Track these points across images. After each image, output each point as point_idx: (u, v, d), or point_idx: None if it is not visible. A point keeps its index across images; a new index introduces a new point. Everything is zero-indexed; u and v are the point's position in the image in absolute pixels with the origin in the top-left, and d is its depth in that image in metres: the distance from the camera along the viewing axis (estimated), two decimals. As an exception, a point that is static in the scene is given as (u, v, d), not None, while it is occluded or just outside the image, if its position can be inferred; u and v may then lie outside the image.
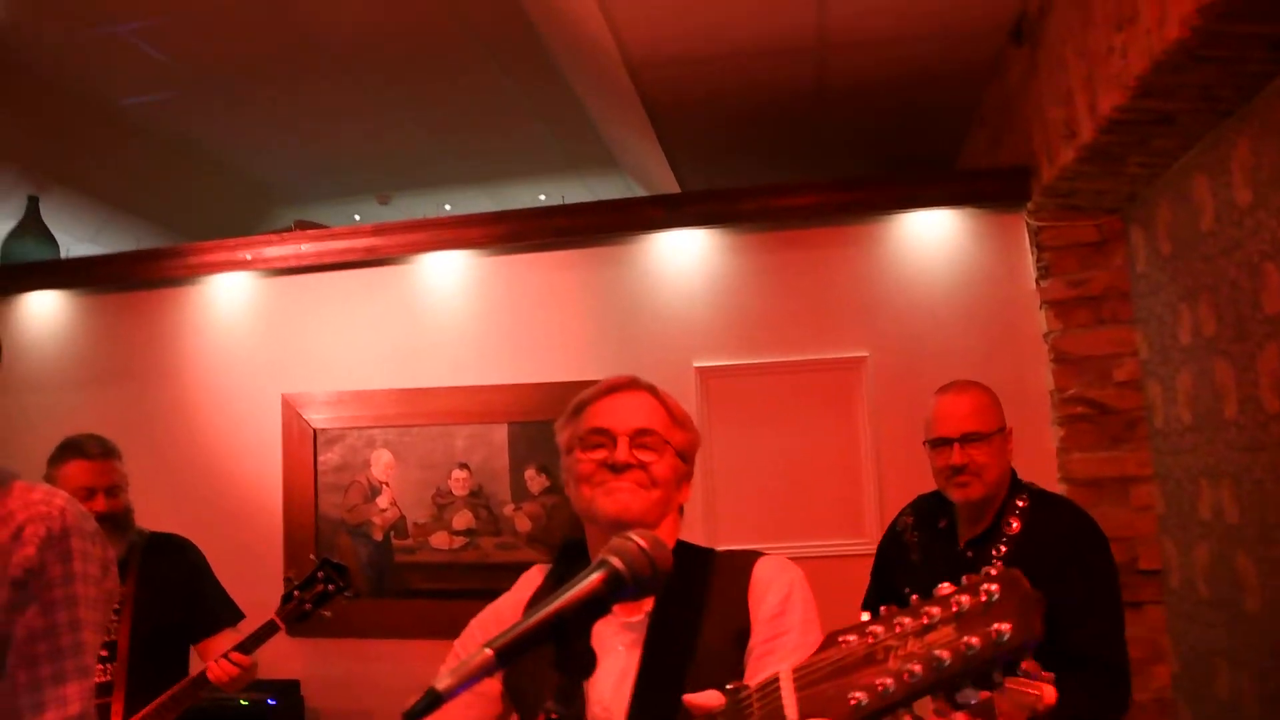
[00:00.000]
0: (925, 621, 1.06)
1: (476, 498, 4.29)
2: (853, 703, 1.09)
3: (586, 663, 1.18)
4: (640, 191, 5.69)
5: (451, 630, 3.94)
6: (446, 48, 4.81)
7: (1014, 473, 2.76)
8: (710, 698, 1.31)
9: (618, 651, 1.70)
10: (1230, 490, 3.13)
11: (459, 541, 4.30)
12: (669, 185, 5.38)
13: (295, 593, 3.20)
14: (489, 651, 1.13)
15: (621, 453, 1.74)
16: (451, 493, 4.31)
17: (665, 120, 4.76)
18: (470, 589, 4.21)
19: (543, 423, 4.17)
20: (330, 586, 3.21)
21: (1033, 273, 4.03)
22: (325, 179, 6.40)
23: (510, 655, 1.15)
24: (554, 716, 1.17)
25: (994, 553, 2.60)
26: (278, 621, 3.15)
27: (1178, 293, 3.44)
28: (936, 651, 1.03)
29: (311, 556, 3.97)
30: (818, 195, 4.22)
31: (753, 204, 4.29)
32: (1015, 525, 2.63)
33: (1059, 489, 3.85)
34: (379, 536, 4.36)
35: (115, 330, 4.73)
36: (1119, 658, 2.52)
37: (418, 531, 4.33)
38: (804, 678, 1.16)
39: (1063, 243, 3.94)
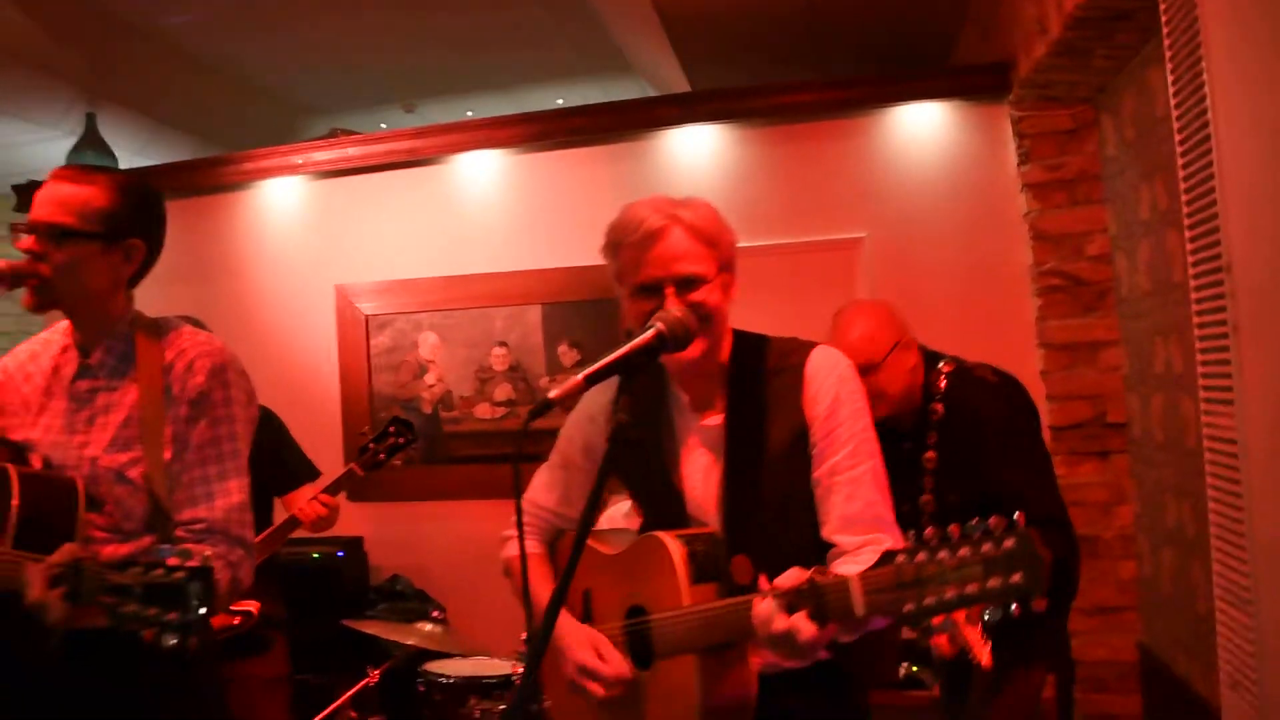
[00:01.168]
0: (960, 559, 1.35)
1: (515, 372, 4.78)
2: (905, 609, 1.41)
3: (641, 390, 1.65)
4: (654, 93, 6.04)
5: (495, 491, 4.53)
6: None
7: (928, 356, 2.91)
8: (793, 577, 1.59)
9: (702, 452, 1.95)
10: (1177, 345, 3.57)
11: (500, 411, 4.80)
12: (680, 86, 5.74)
13: (370, 445, 3.69)
14: (580, 376, 1.62)
15: (671, 302, 1.83)
16: (492, 368, 4.80)
17: (676, 23, 5.10)
18: (511, 454, 4.70)
19: (573, 303, 4.67)
20: (400, 439, 3.68)
21: (1014, 159, 4.42)
22: (353, 91, 6.72)
23: (594, 379, 1.65)
24: (621, 419, 1.63)
25: (928, 441, 2.85)
26: (356, 470, 3.65)
27: (1139, 173, 3.84)
28: (967, 587, 1.34)
29: (365, 430, 4.41)
30: (818, 92, 4.62)
31: (758, 101, 4.70)
32: (939, 409, 2.84)
33: (1037, 354, 4.32)
34: (428, 410, 4.86)
35: (176, 234, 5.00)
36: (1061, 511, 2.79)
37: (463, 404, 4.83)
38: (869, 584, 1.47)
39: (1041, 130, 4.33)
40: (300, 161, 4.97)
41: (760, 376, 1.95)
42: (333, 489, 3.66)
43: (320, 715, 3.79)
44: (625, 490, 2.14)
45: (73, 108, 5.57)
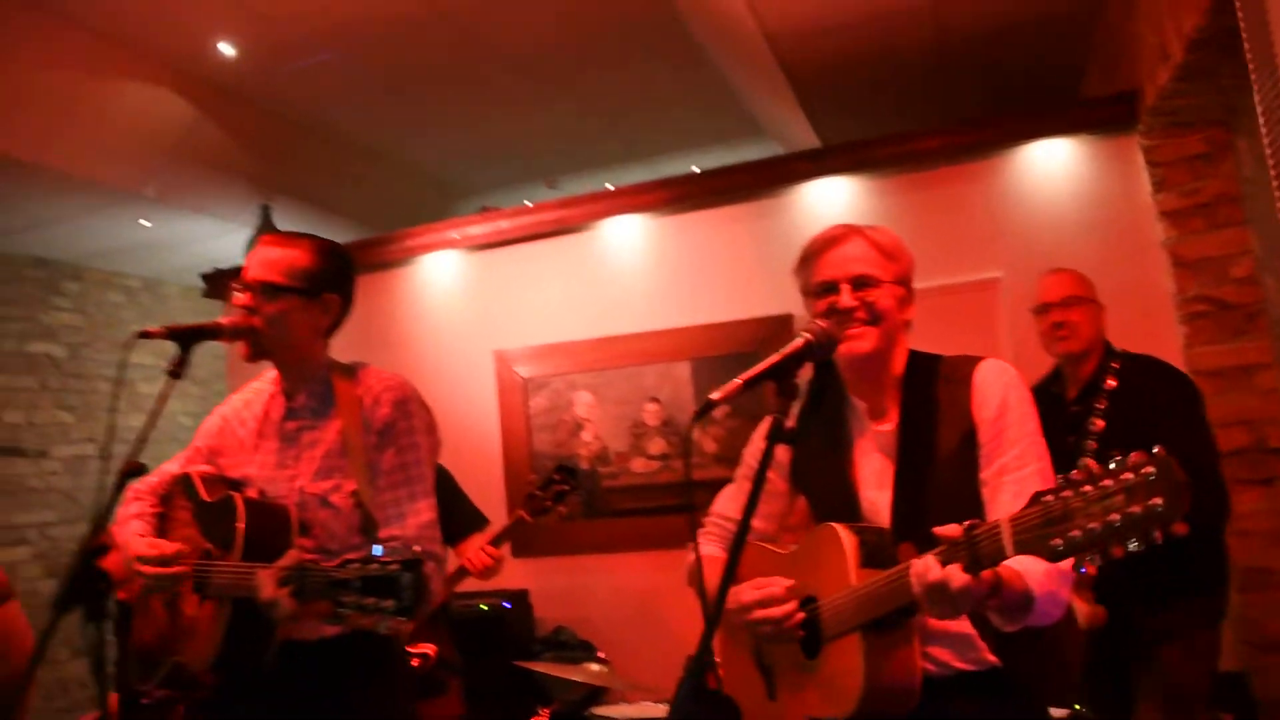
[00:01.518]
0: (1103, 491, 1.38)
1: (667, 426, 4.96)
2: (1053, 544, 1.44)
3: (794, 392, 1.78)
4: (785, 152, 6.23)
5: (653, 543, 4.69)
6: (603, 43, 5.38)
7: (1108, 344, 3.35)
8: (951, 531, 1.64)
9: (876, 456, 2.05)
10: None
11: (654, 465, 4.98)
12: (810, 142, 5.91)
13: (537, 492, 3.90)
14: (739, 380, 1.76)
15: (845, 299, 2.00)
16: (645, 423, 5.00)
17: (803, 83, 5.30)
18: (667, 505, 4.89)
19: (720, 357, 4.84)
20: (565, 486, 3.88)
21: (1148, 188, 4.44)
22: (499, 171, 7.08)
23: (751, 383, 1.77)
24: (777, 416, 1.76)
25: (1096, 406, 3.16)
26: (524, 516, 3.86)
27: (1282, 192, 3.83)
28: (1110, 515, 1.37)
29: (531, 479, 4.64)
30: (946, 137, 4.73)
31: (887, 150, 4.83)
32: (1112, 382, 3.19)
33: (1188, 382, 4.30)
34: (585, 466, 5.06)
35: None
36: (1218, 477, 3.12)
37: (618, 459, 5.03)
38: (1018, 526, 1.51)
39: (1173, 157, 4.34)
40: (456, 236, 5.31)
41: (932, 386, 2.04)
42: (500, 538, 3.87)
43: (496, 755, 3.98)
44: (804, 495, 2.24)
45: (249, 202, 6.03)
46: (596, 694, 4.56)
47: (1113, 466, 1.39)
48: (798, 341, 1.86)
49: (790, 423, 1.83)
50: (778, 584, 2.01)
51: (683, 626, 1.59)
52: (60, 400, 6.44)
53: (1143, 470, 1.35)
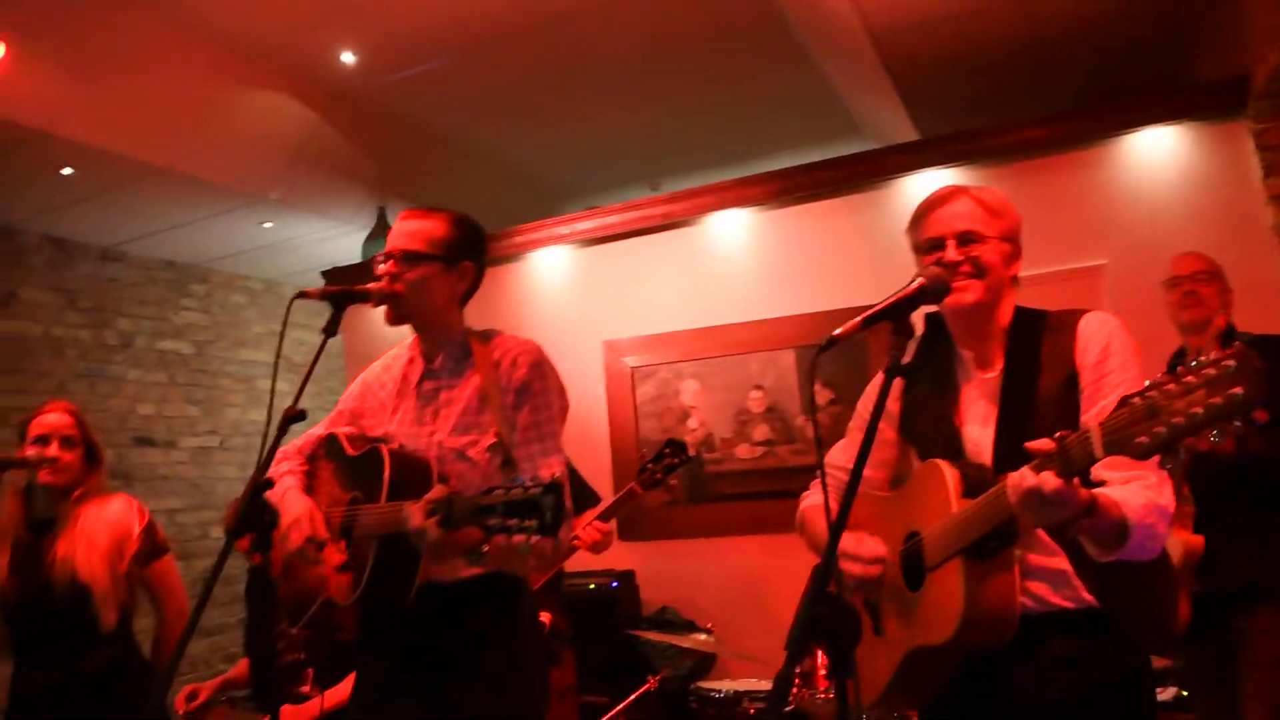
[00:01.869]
0: (1185, 387, 1.42)
1: (772, 413, 5.07)
2: (1139, 441, 1.49)
3: (908, 332, 1.89)
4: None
5: (757, 527, 4.79)
6: (705, 45, 5.46)
7: (1232, 325, 3.44)
8: (1044, 444, 1.68)
9: (981, 403, 2.12)
10: None
11: (759, 451, 5.09)
12: (909, 138, 5.97)
13: (648, 465, 4.03)
14: (858, 319, 1.88)
15: (950, 254, 2.08)
16: (750, 410, 5.11)
17: (904, 77, 5.36)
18: (771, 490, 4.99)
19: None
20: (675, 459, 4.01)
21: (1258, 172, 4.43)
22: (601, 172, 7.22)
23: (869, 321, 1.89)
24: (893, 353, 1.87)
25: None
26: (636, 488, 3.98)
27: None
28: (1193, 409, 1.41)
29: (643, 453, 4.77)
30: (1049, 127, 4.78)
31: (989, 141, 4.89)
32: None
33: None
34: (691, 452, 5.17)
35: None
36: None
37: (724, 445, 5.15)
38: (1107, 428, 1.56)
39: (1284, 140, 4.33)
40: (566, 232, 5.51)
41: (1037, 336, 2.10)
42: (610, 512, 4.01)
43: (605, 718, 4.10)
44: (910, 442, 2.32)
45: (365, 204, 6.29)
46: (702, 667, 4.68)
47: (1196, 366, 1.42)
48: (913, 284, 1.97)
49: (906, 359, 1.93)
50: (873, 547, 2.12)
51: (786, 608, 1.63)
52: (187, 395, 6.76)
53: (1223, 363, 1.38)
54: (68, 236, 6.13)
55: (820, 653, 3.70)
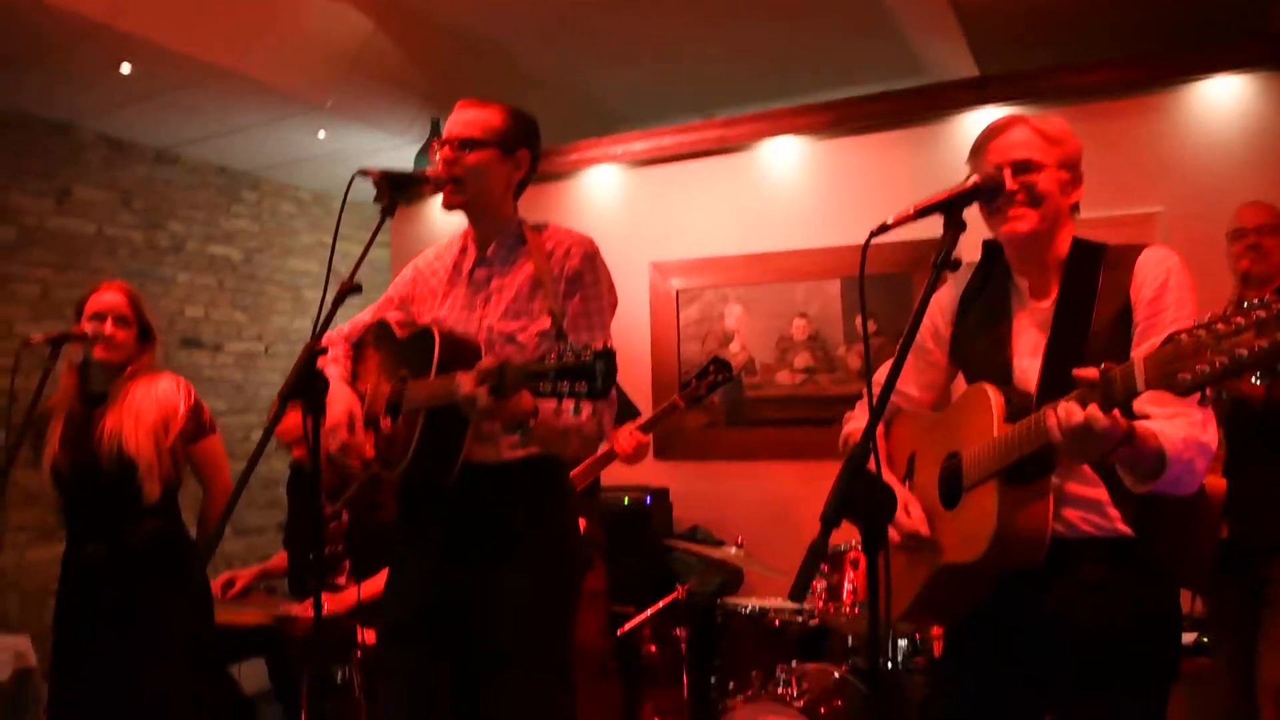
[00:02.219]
0: (1234, 327, 1.43)
1: (814, 341, 5.09)
2: (1181, 377, 1.50)
3: (960, 226, 1.92)
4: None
5: (793, 453, 4.83)
6: None
7: None
8: (1089, 372, 1.70)
9: (1033, 331, 2.14)
10: None
11: (799, 378, 5.12)
12: (971, 75, 5.90)
13: (692, 381, 4.07)
14: (911, 208, 1.92)
15: (1007, 183, 2.08)
16: (793, 338, 5.14)
17: (970, 14, 5.27)
18: (809, 418, 5.03)
19: (870, 276, 4.88)
20: (719, 377, 4.04)
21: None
22: (656, 100, 7.17)
23: (923, 212, 1.94)
24: (943, 247, 1.90)
25: None
26: (678, 402, 4.03)
27: None
28: (1239, 350, 1.41)
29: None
30: (1115, 71, 4.71)
31: (1054, 81, 4.82)
32: None
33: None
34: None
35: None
36: None
37: (764, 371, 5.18)
38: (1151, 362, 1.57)
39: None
40: (619, 151, 5.51)
41: (1095, 269, 2.11)
42: (650, 423, 4.05)
43: (629, 625, 4.17)
44: (959, 366, 2.36)
45: (418, 118, 6.29)
46: (729, 584, 4.73)
47: (1247, 307, 1.43)
48: (969, 181, 2.00)
49: (946, 254, 1.94)
50: (916, 523, 2.16)
51: (814, 534, 1.65)
52: (235, 300, 6.84)
53: (1274, 306, 1.40)
54: (124, 137, 6.18)
55: (849, 569, 3.74)
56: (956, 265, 2.02)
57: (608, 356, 1.96)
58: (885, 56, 6.22)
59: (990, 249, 2.28)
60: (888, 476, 2.28)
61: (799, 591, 1.63)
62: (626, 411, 4.26)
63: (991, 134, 2.17)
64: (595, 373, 1.94)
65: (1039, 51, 5.37)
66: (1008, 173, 2.08)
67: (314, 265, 7.45)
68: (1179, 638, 2.13)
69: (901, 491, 2.25)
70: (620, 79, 6.75)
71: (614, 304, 2.62)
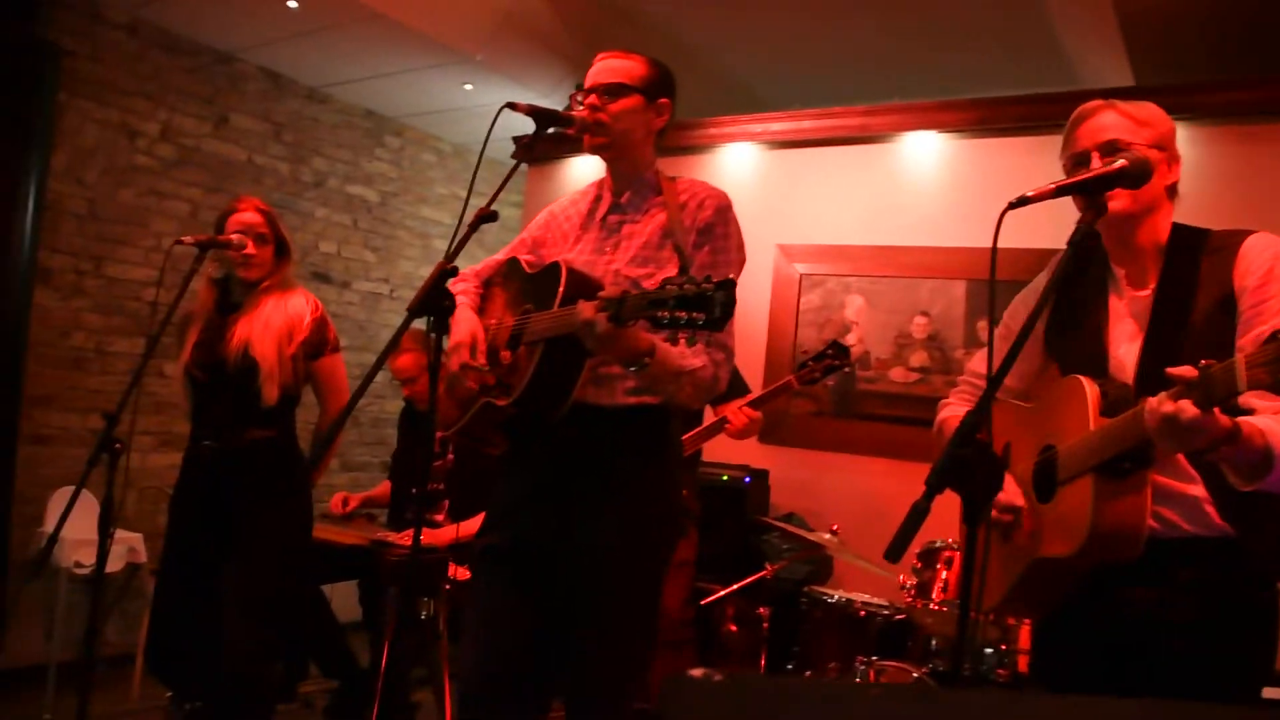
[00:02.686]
0: None
1: (933, 341, 5.02)
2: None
3: (1101, 209, 1.89)
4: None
5: (899, 452, 4.77)
6: None
7: None
8: (1186, 371, 1.65)
9: (1129, 321, 2.10)
10: None
11: (914, 377, 5.06)
12: (1123, 85, 5.72)
13: (809, 363, 4.05)
14: (1051, 184, 1.88)
15: (1094, 164, 2.04)
16: (912, 335, 5.07)
17: (1132, 21, 5.10)
18: (919, 418, 4.95)
19: (998, 281, 4.79)
20: (836, 361, 4.02)
21: None
22: (799, 85, 7.12)
23: (1062, 191, 1.90)
24: (1081, 226, 1.86)
25: None
26: (793, 382, 4.02)
27: None
28: None
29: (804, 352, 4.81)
30: (1276, 89, 4.48)
31: (1209, 97, 4.59)
32: None
33: None
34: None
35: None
36: None
37: (879, 365, 5.13)
38: (1251, 361, 1.53)
39: None
40: (759, 130, 5.51)
41: (1195, 255, 2.05)
42: (762, 400, 4.05)
43: (713, 597, 4.19)
44: (1054, 357, 2.30)
45: (563, 80, 6.36)
46: (817, 574, 4.72)
47: None
48: (1116, 163, 1.93)
49: (1083, 233, 1.90)
50: (1011, 497, 2.13)
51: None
52: (367, 240, 7.03)
53: None
54: (282, 71, 6.39)
55: (942, 566, 3.69)
56: (1094, 242, 1.99)
57: (728, 287, 1.95)
58: (1037, 59, 6.07)
59: (1086, 236, 2.20)
60: None
61: (896, 551, 1.61)
62: (738, 389, 4.26)
63: (1078, 119, 2.15)
64: (714, 302, 1.93)
65: (1199, 65, 5.18)
66: (1095, 156, 2.05)
67: (445, 216, 7.60)
68: (1276, 640, 2.05)
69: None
70: (765, 60, 6.72)
71: (742, 261, 2.61)
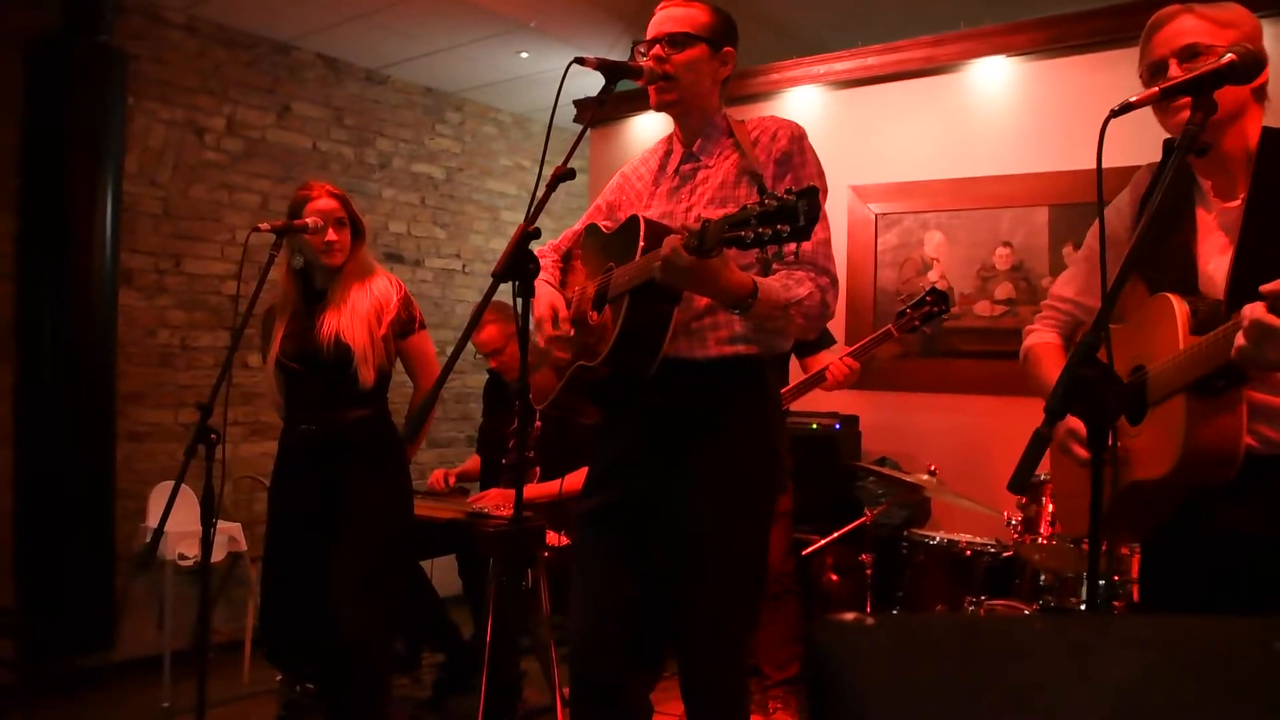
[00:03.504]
0: None
1: (1017, 271, 4.90)
2: None
3: (1211, 108, 1.77)
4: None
5: (989, 387, 4.68)
6: None
7: None
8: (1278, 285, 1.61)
9: (1218, 234, 2.03)
10: None
11: (999, 310, 4.95)
12: None
13: (907, 310, 3.99)
14: (1156, 88, 1.81)
15: (1173, 72, 1.97)
16: (995, 267, 4.95)
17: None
18: (1008, 351, 4.80)
19: (1080, 205, 4.69)
20: (935, 308, 3.95)
21: None
22: (858, 26, 7.01)
23: (1170, 92, 1.81)
24: (1189, 128, 1.77)
25: None
26: (893, 330, 3.96)
27: None
28: None
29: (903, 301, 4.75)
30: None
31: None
32: None
33: None
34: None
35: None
36: None
37: (963, 301, 5.02)
38: None
39: None
40: (821, 71, 5.39)
41: None
42: (862, 350, 4.00)
43: (813, 547, 4.15)
44: (1142, 276, 2.18)
45: (619, 40, 6.30)
46: (915, 517, 4.66)
47: None
48: (1225, 58, 1.80)
49: (1204, 137, 1.81)
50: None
51: (1008, 470, 1.55)
52: (436, 217, 7.05)
53: None
54: (339, 56, 6.41)
55: (1048, 500, 3.62)
56: (1205, 150, 1.90)
57: (810, 194, 1.89)
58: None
59: (1169, 147, 2.09)
60: None
61: (1019, 482, 1.56)
62: (824, 339, 4.21)
63: (1154, 27, 2.06)
64: (797, 211, 1.88)
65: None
66: (1174, 63, 1.97)
67: (511, 187, 7.60)
68: None
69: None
70: (823, 3, 6.60)
71: (825, 189, 2.56)
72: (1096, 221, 2.29)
